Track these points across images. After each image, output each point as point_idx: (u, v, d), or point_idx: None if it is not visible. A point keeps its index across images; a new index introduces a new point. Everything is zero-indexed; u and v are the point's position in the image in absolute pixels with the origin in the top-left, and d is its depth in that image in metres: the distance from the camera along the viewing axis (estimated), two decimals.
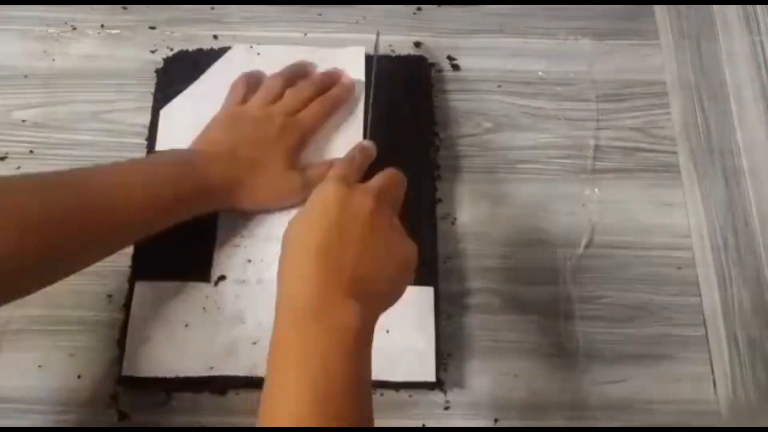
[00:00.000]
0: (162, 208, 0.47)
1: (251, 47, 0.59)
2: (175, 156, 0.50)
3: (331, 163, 0.52)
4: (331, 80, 0.57)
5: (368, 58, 0.58)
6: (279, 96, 0.54)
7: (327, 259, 0.38)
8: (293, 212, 0.52)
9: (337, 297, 0.37)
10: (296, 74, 0.57)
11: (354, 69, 0.58)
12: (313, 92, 0.55)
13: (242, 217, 0.53)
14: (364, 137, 0.55)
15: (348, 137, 0.55)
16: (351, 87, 0.57)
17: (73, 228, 0.42)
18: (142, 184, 0.46)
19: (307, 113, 0.54)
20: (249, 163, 0.50)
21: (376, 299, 0.40)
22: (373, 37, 0.58)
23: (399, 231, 0.42)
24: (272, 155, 0.51)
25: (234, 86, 0.55)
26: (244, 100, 0.54)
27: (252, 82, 0.56)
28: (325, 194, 0.41)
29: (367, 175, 0.47)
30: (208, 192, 0.48)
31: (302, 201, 0.49)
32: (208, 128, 0.53)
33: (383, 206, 0.41)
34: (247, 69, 0.57)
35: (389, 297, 0.41)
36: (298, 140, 0.53)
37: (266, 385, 0.37)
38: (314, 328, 0.36)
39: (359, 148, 0.50)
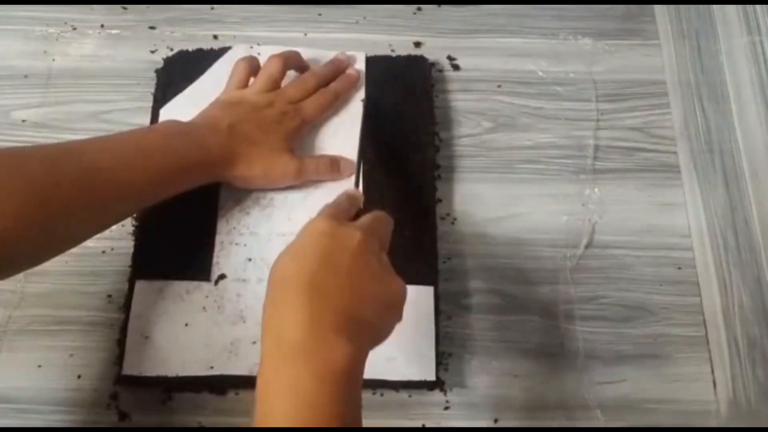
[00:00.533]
0: (163, 178, 0.47)
1: (251, 47, 0.59)
2: (176, 127, 0.50)
3: (326, 157, 0.53)
4: (337, 70, 0.57)
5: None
6: (280, 79, 0.55)
7: (317, 296, 0.37)
8: (293, 212, 0.53)
9: (327, 336, 0.36)
10: (294, 58, 0.57)
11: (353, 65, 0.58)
12: (316, 83, 0.55)
13: (243, 216, 0.53)
14: (361, 142, 0.55)
15: (345, 141, 0.56)
16: (355, 78, 0.57)
17: (74, 197, 0.42)
18: (144, 154, 0.46)
19: (308, 103, 0.54)
20: (246, 139, 0.50)
21: (366, 336, 0.39)
22: (374, 37, 0.59)
23: (387, 268, 0.41)
24: (269, 136, 0.51)
25: (235, 70, 0.55)
26: (245, 84, 0.55)
27: (254, 64, 0.56)
28: (315, 227, 0.40)
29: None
30: (208, 163, 0.49)
31: (294, 182, 0.52)
32: (209, 107, 0.53)
33: (372, 241, 0.41)
34: None
35: (379, 334, 0.40)
36: (297, 126, 0.53)
37: (256, 413, 0.36)
38: (304, 372, 0.35)
39: (346, 195, 0.48)
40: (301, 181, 0.53)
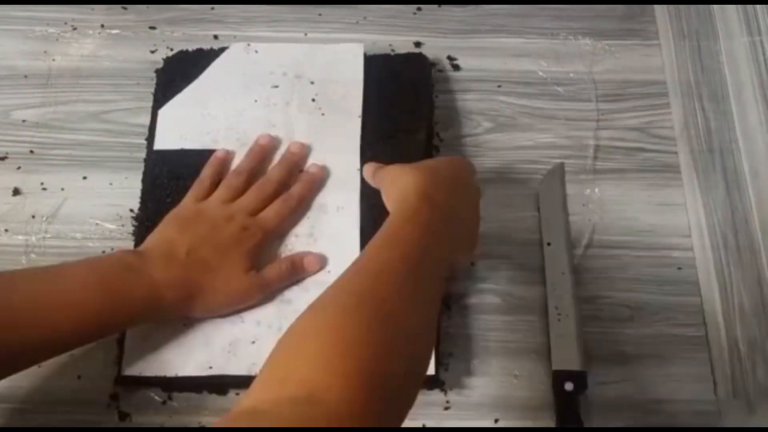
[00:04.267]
0: (97, 319, 0.44)
1: (248, 45, 0.59)
2: (120, 260, 0.47)
3: (287, 260, 0.51)
4: (294, 166, 0.54)
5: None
6: (241, 193, 0.52)
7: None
8: (296, 217, 0.53)
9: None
10: (259, 162, 0.54)
11: (352, 65, 0.58)
12: (274, 189, 0.52)
13: None
14: (362, 137, 0.55)
15: (346, 137, 0.56)
16: (319, 177, 0.54)
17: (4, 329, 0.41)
18: (71, 294, 0.44)
19: (268, 213, 0.51)
20: (205, 266, 0.48)
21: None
22: (374, 37, 0.58)
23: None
24: (229, 257, 0.49)
25: (200, 179, 0.53)
26: (206, 196, 0.52)
27: (220, 170, 0.54)
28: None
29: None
30: (156, 300, 0.46)
31: (260, 298, 0.50)
32: (165, 224, 0.50)
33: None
34: (246, 67, 0.57)
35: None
36: (259, 242, 0.50)
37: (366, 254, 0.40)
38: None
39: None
40: (267, 293, 0.50)
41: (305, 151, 0.55)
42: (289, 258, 0.51)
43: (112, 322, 0.46)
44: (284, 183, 0.53)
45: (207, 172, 0.53)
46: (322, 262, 0.52)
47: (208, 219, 0.50)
